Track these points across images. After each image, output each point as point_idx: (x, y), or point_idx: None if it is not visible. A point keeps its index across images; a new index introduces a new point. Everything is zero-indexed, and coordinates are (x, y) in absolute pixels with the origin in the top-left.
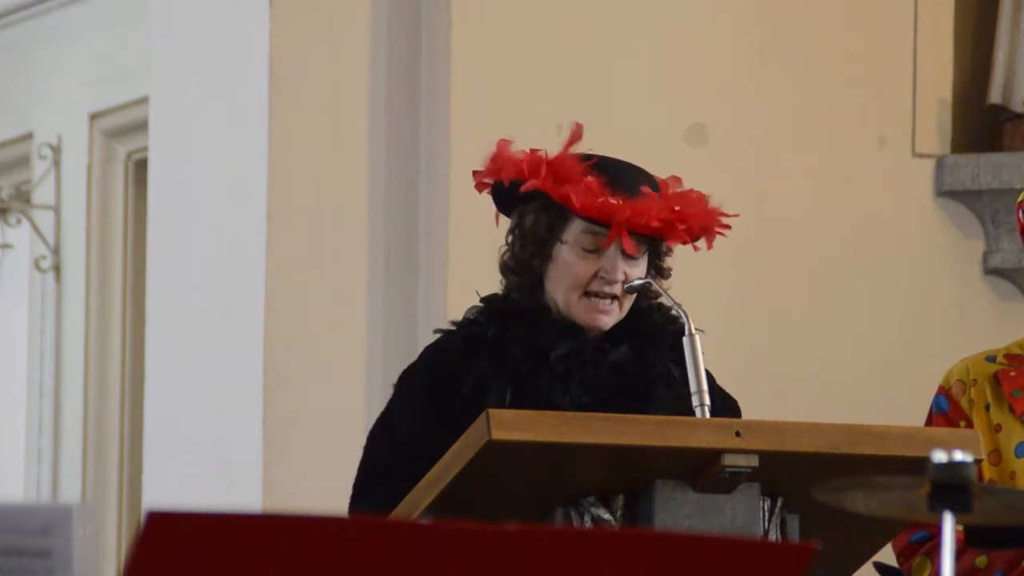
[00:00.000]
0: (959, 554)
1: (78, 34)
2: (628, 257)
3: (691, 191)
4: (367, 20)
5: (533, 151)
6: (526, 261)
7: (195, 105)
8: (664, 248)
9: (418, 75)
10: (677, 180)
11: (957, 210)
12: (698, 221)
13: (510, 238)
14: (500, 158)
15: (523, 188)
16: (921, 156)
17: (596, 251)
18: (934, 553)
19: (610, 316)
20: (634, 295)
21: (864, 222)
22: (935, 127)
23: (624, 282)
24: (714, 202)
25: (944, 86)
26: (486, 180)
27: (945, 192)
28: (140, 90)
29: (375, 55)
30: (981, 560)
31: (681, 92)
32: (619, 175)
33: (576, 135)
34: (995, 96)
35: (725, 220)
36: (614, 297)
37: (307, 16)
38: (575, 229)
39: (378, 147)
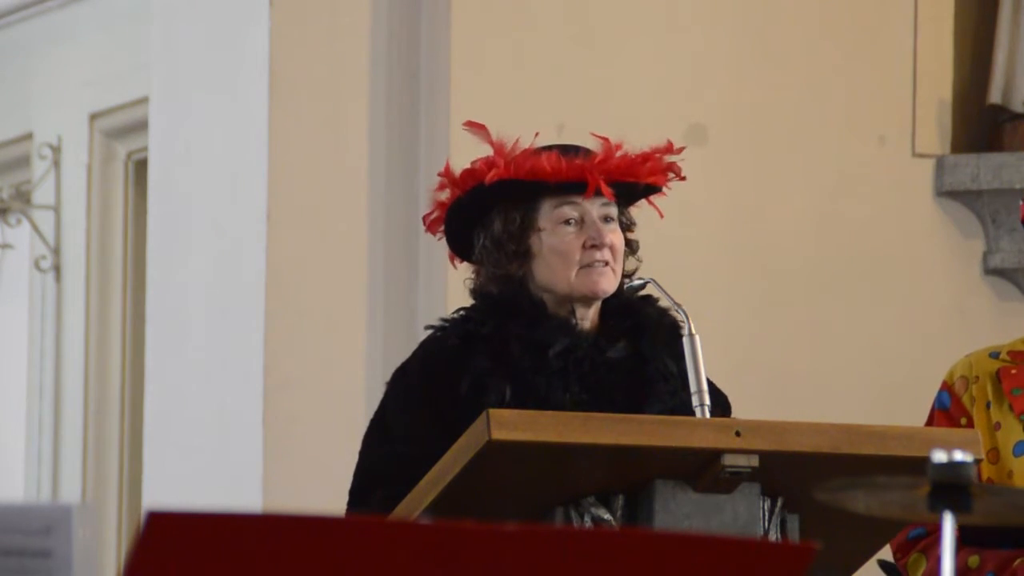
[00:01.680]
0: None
1: (78, 34)
2: (606, 221)
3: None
4: (367, 20)
5: (485, 159)
6: (505, 266)
7: (195, 105)
8: (628, 219)
9: (418, 75)
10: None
11: (957, 210)
12: (655, 165)
13: (480, 258)
14: (449, 176)
15: (489, 179)
16: (921, 156)
17: (575, 222)
18: (930, 550)
19: (608, 279)
20: (622, 260)
21: (864, 222)
22: (935, 127)
23: (611, 248)
24: (691, 196)
25: (944, 86)
26: (435, 216)
27: (945, 192)
28: (140, 90)
29: (375, 55)
30: (974, 560)
31: (681, 92)
32: (568, 148)
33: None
34: (995, 96)
35: (672, 163)
36: (607, 262)
37: (307, 17)
38: (547, 210)
39: (378, 147)
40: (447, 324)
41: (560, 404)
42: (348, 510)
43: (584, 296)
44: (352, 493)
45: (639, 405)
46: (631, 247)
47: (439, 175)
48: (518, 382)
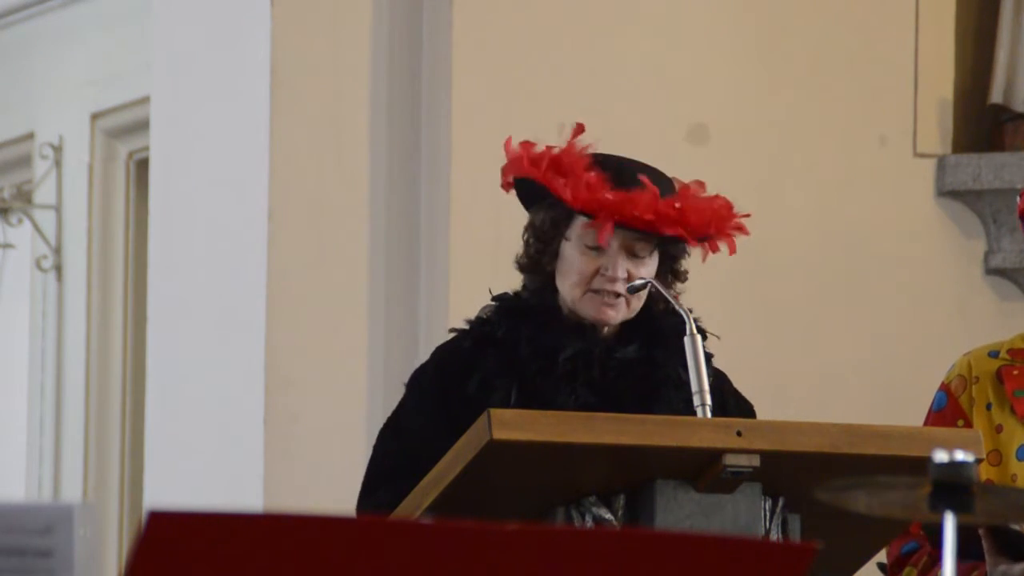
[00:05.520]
0: (927, 569)
1: (79, 34)
2: (632, 256)
3: (716, 198)
4: (368, 20)
5: (547, 148)
6: (536, 259)
7: (196, 105)
8: (678, 250)
9: (419, 75)
10: (701, 185)
11: (958, 210)
12: (699, 218)
13: (525, 236)
14: (511, 156)
15: (516, 174)
16: (922, 156)
17: (598, 248)
18: (927, 571)
19: (616, 311)
20: (645, 295)
21: (865, 222)
22: (936, 127)
23: (627, 280)
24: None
25: (945, 86)
26: (508, 180)
27: (946, 192)
28: (141, 90)
29: (376, 54)
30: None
31: (683, 92)
32: (622, 172)
33: (578, 133)
34: (996, 96)
35: (739, 223)
36: (619, 294)
37: (308, 16)
38: (578, 226)
39: (379, 146)
40: (467, 327)
41: (565, 407)
42: (359, 504)
43: (589, 319)
44: (363, 488)
45: (647, 411)
46: (678, 277)
47: (521, 144)
48: (525, 384)
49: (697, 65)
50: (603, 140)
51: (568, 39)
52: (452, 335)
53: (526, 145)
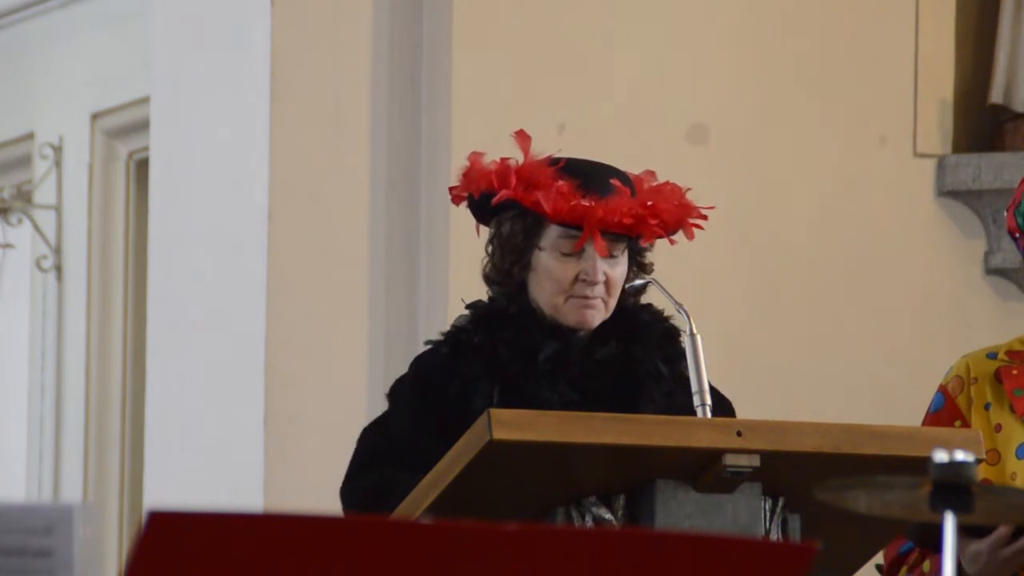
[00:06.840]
0: (915, 565)
1: (79, 34)
2: (607, 256)
3: (666, 184)
4: (368, 20)
5: (503, 160)
6: (507, 270)
7: (196, 105)
8: (641, 251)
9: (419, 75)
10: (651, 174)
11: (958, 210)
12: (672, 215)
13: (489, 248)
14: (471, 171)
15: (495, 200)
16: (922, 156)
17: (574, 254)
18: (914, 566)
19: (597, 311)
20: (618, 292)
21: (865, 222)
22: (936, 127)
23: (605, 282)
24: (692, 196)
25: (945, 86)
26: (461, 194)
27: (946, 192)
28: (141, 90)
29: (376, 55)
30: (927, 565)
31: (682, 92)
32: (589, 175)
33: (525, 145)
34: (996, 96)
35: (702, 211)
36: (597, 297)
37: (308, 16)
38: (551, 235)
39: (379, 147)
40: (442, 338)
41: (549, 405)
42: (342, 491)
43: (570, 324)
44: (345, 480)
45: (630, 406)
46: (644, 269)
47: (470, 156)
48: (506, 385)
49: (697, 65)
50: (602, 140)
51: (568, 39)
52: (428, 346)
53: (492, 163)
